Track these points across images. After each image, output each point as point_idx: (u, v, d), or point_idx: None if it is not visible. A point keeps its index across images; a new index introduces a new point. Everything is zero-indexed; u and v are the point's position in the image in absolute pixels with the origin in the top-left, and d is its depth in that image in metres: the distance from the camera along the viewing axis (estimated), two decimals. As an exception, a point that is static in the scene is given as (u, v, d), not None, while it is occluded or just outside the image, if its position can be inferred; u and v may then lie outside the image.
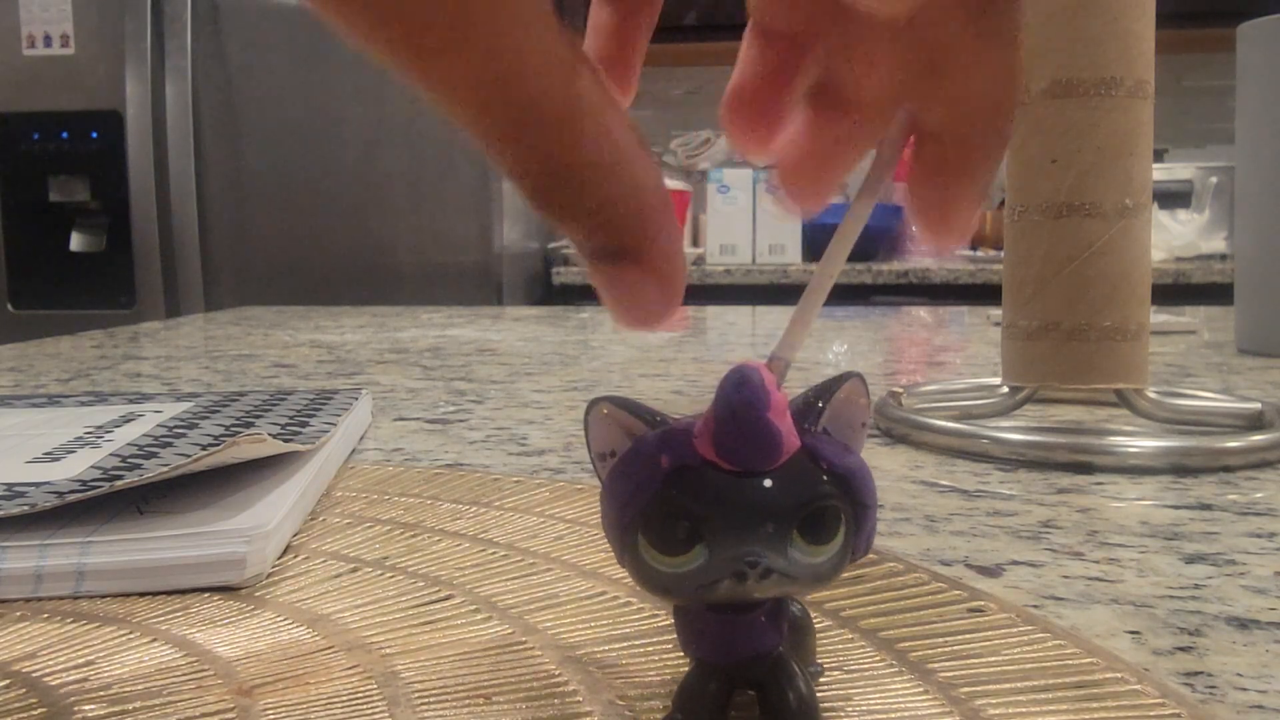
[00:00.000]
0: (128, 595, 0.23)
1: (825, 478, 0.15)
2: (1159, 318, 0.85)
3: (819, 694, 0.17)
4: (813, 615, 0.19)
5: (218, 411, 0.37)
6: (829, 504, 0.15)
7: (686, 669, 0.17)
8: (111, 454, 0.30)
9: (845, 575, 0.23)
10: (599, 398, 0.16)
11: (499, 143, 0.14)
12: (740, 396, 0.14)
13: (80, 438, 0.33)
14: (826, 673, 0.18)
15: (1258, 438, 0.36)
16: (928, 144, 0.17)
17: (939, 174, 0.17)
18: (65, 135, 1.79)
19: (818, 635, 0.19)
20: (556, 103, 0.14)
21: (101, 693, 0.18)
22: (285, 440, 0.31)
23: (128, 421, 0.36)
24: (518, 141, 0.14)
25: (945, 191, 0.17)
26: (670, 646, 0.19)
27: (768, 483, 0.15)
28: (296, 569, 0.24)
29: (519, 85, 0.13)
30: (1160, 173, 2.09)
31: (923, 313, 1.15)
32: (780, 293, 2.02)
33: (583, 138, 0.14)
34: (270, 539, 0.24)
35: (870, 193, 0.17)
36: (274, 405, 0.39)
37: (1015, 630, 0.20)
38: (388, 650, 0.20)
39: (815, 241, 2.18)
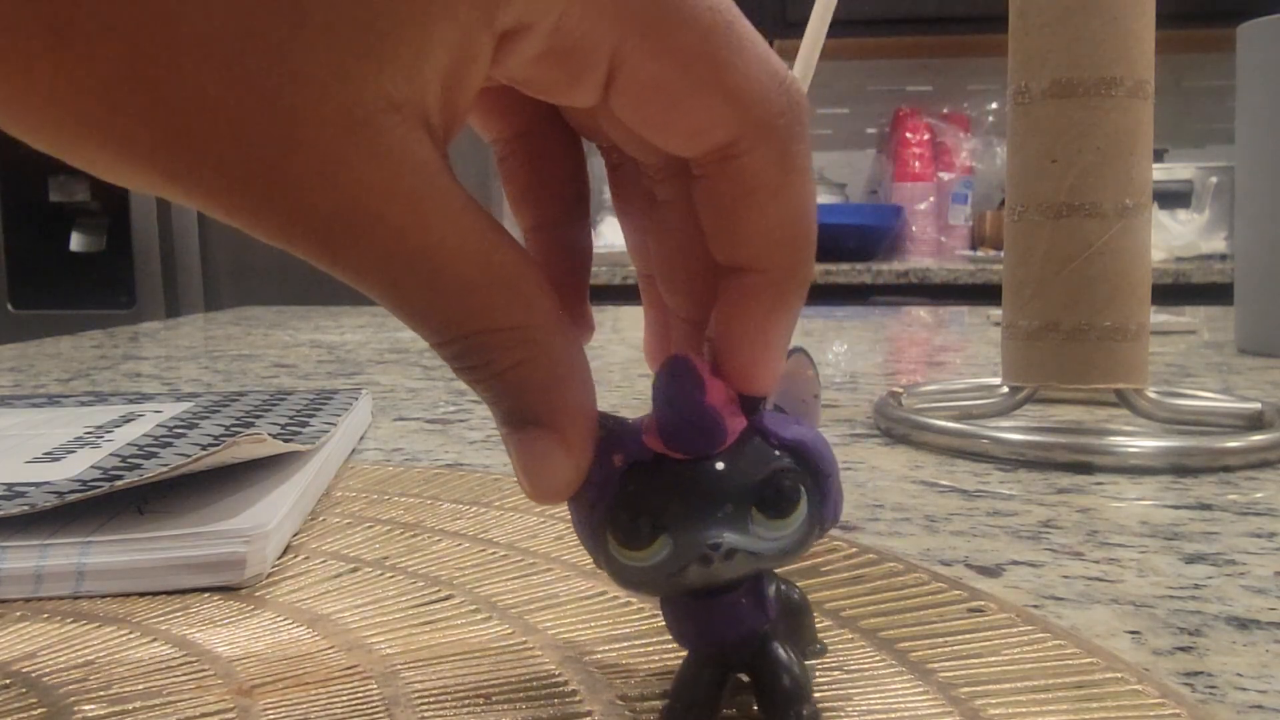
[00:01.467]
0: (128, 595, 0.23)
1: (777, 452, 0.15)
2: (1159, 318, 0.85)
3: (824, 692, 0.17)
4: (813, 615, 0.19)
5: (218, 411, 0.37)
6: (784, 478, 0.15)
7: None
8: (111, 454, 0.30)
9: (845, 575, 0.23)
10: None
11: (409, 312, 0.14)
12: (675, 387, 0.15)
13: (80, 438, 0.33)
14: (826, 673, 0.18)
15: (1258, 438, 0.36)
16: (735, 280, 0.16)
17: (748, 312, 0.16)
18: (65, 135, 1.79)
19: (817, 635, 0.19)
20: (466, 273, 0.14)
21: (101, 693, 0.18)
22: (285, 440, 0.31)
23: (128, 421, 0.36)
24: (429, 308, 0.14)
25: (756, 331, 0.16)
26: (671, 646, 0.19)
27: (719, 465, 0.15)
28: (296, 569, 0.24)
29: (425, 259, 0.14)
30: (1160, 173, 2.09)
31: (923, 313, 1.15)
32: (780, 293, 2.02)
33: (493, 307, 0.14)
34: (270, 539, 0.24)
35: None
36: (274, 405, 0.39)
37: (1015, 630, 0.20)
38: (388, 650, 0.20)
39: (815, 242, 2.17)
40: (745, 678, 0.17)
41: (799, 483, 0.15)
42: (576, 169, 0.19)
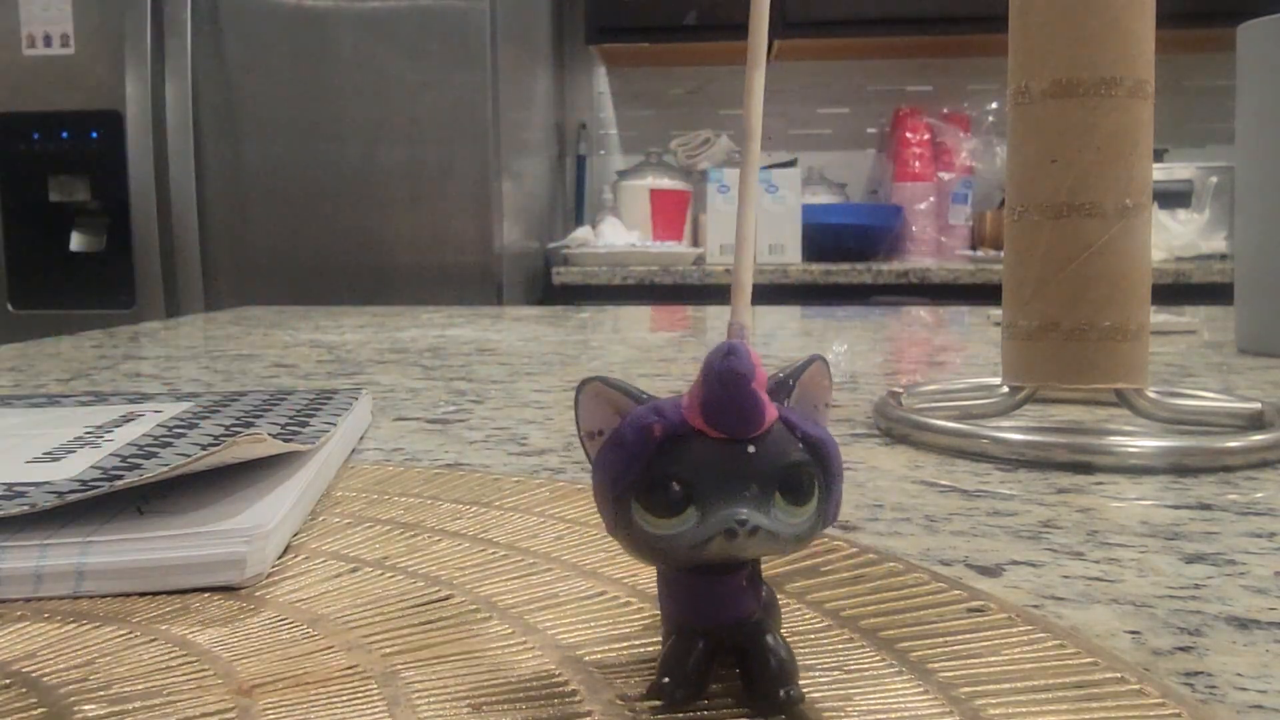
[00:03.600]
0: (128, 595, 0.23)
1: (800, 445, 0.16)
2: (1159, 318, 0.85)
3: (824, 692, 0.17)
4: (813, 615, 0.19)
5: (218, 411, 0.37)
6: (804, 469, 0.16)
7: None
8: (111, 454, 0.30)
9: (845, 575, 0.23)
10: (589, 377, 0.17)
11: None
12: (728, 367, 0.16)
13: (80, 438, 0.33)
14: (826, 673, 0.18)
15: (1258, 438, 0.36)
16: None
17: None
18: (65, 135, 1.79)
19: (817, 635, 0.20)
20: None
21: (101, 693, 0.18)
22: (285, 440, 0.31)
23: (128, 421, 0.36)
24: None
25: None
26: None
27: (751, 448, 0.16)
28: (296, 569, 0.24)
29: None
30: (1160, 173, 2.09)
31: (923, 313, 1.15)
32: (780, 293, 2.02)
33: None
34: (270, 539, 0.24)
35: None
36: (274, 405, 0.39)
37: (1015, 630, 0.20)
38: (388, 650, 0.20)
39: (815, 242, 2.18)
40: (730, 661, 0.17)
41: (815, 477, 0.16)
42: None
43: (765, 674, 0.17)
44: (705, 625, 0.17)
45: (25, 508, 0.24)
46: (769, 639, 0.17)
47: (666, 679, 0.17)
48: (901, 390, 0.45)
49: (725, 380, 0.16)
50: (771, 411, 0.16)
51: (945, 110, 2.49)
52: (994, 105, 2.49)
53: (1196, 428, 0.40)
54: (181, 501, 0.26)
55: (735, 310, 0.17)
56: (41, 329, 1.61)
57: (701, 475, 0.16)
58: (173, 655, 0.20)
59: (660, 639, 0.18)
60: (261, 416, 0.36)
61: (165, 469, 0.25)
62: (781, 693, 0.16)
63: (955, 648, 0.19)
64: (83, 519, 0.24)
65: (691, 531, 0.16)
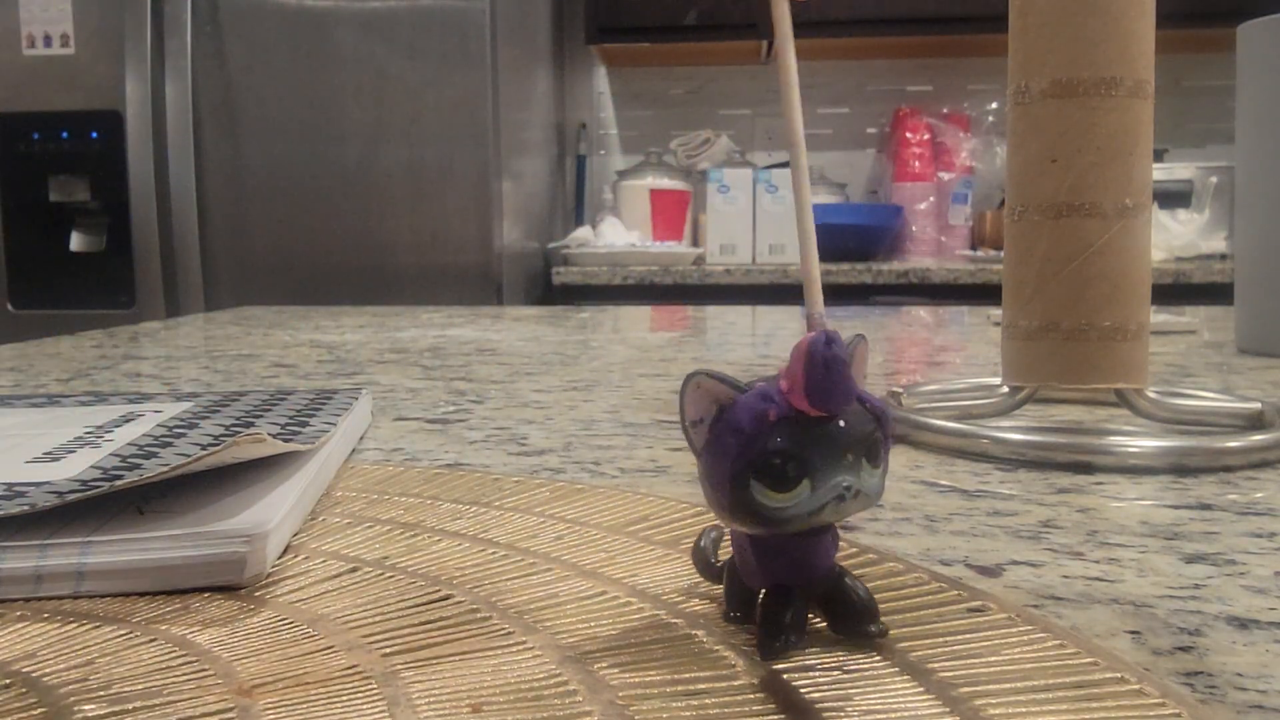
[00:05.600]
0: (128, 595, 0.23)
1: (870, 415, 0.19)
2: (1159, 318, 0.85)
3: (823, 692, 0.17)
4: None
5: (218, 411, 0.37)
6: (877, 435, 0.19)
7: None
8: (111, 454, 0.30)
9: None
10: (695, 371, 0.19)
11: None
12: (832, 353, 0.18)
13: (80, 438, 0.33)
14: (826, 673, 0.18)
15: (1258, 438, 0.36)
16: None
17: None
18: (65, 135, 1.79)
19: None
20: None
21: (101, 693, 0.18)
22: (285, 440, 0.31)
23: (128, 421, 0.36)
24: None
25: None
26: (672, 646, 0.19)
27: (842, 423, 0.18)
28: (296, 569, 0.24)
29: None
30: (1160, 173, 2.09)
31: (923, 313, 1.15)
32: (780, 293, 2.02)
33: None
34: (270, 539, 0.24)
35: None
36: (274, 405, 0.39)
37: (1015, 630, 0.20)
38: (388, 650, 0.20)
39: (816, 241, 2.17)
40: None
41: (882, 440, 0.19)
42: None
43: (853, 614, 0.19)
44: (800, 581, 0.19)
45: (25, 508, 0.24)
46: (852, 583, 0.19)
47: (771, 633, 0.19)
48: (901, 390, 0.45)
49: (830, 366, 0.18)
50: (857, 389, 0.18)
51: (945, 110, 2.49)
52: (994, 105, 2.49)
53: (1196, 428, 0.40)
54: (181, 501, 0.26)
55: (812, 303, 0.19)
56: (41, 329, 1.61)
57: (812, 451, 0.18)
58: (173, 655, 0.20)
59: (725, 598, 0.21)
60: (261, 416, 0.36)
61: (165, 469, 0.25)
62: (871, 627, 0.19)
63: (955, 648, 0.19)
64: (83, 519, 0.24)
65: (807, 501, 0.18)
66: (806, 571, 0.19)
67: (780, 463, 0.18)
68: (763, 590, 0.19)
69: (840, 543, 0.20)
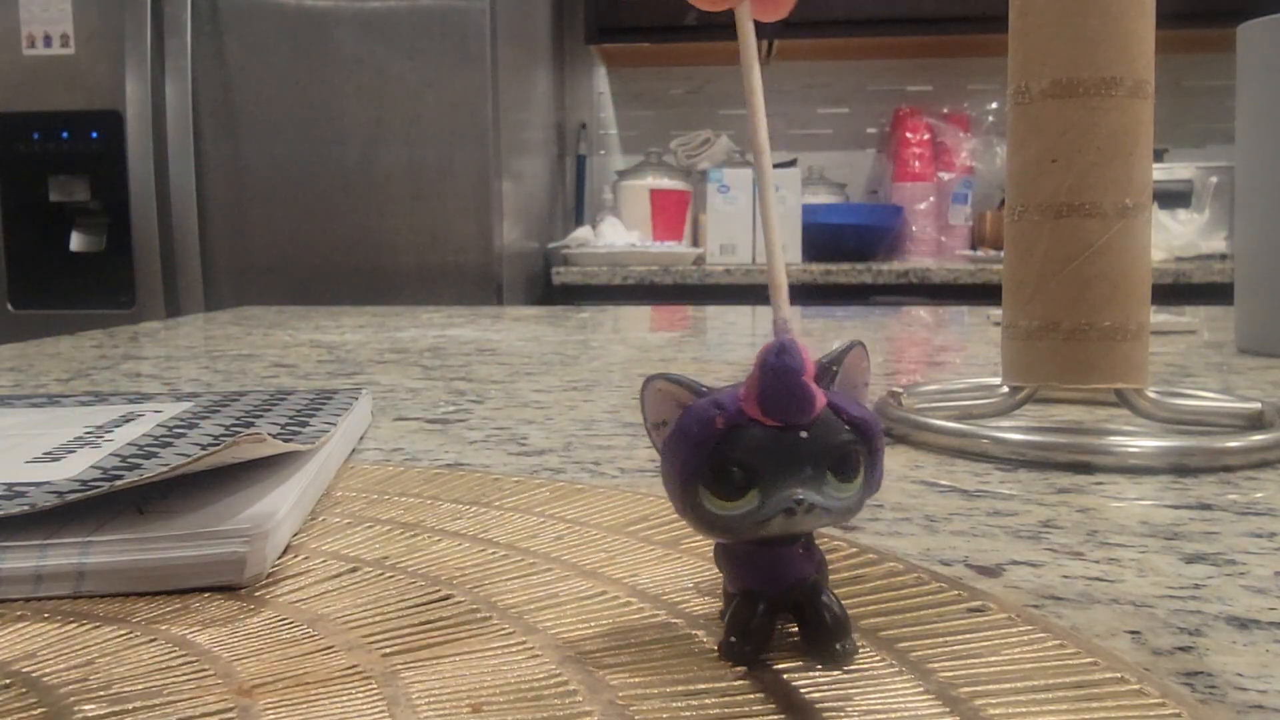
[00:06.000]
0: (128, 595, 0.23)
1: (846, 427, 0.18)
2: (1159, 318, 0.85)
3: (823, 692, 0.17)
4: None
5: (218, 411, 0.37)
6: (851, 448, 0.18)
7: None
8: (111, 454, 0.30)
9: (845, 575, 0.23)
10: (654, 375, 0.19)
11: None
12: (782, 362, 0.17)
13: (80, 438, 0.33)
14: (826, 673, 0.18)
15: (1258, 438, 0.36)
16: None
17: None
18: (65, 135, 1.79)
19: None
20: None
21: (101, 693, 0.18)
22: (285, 440, 0.31)
23: (128, 421, 0.36)
24: None
25: None
26: (672, 646, 0.19)
27: (804, 434, 0.17)
28: (296, 569, 0.24)
29: None
30: (1160, 173, 2.09)
31: (923, 313, 1.15)
32: (780, 293, 2.02)
33: None
34: (270, 539, 0.24)
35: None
36: (274, 405, 0.39)
37: (1015, 630, 0.20)
38: (388, 650, 0.20)
39: (815, 242, 2.18)
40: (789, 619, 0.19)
41: (860, 454, 0.18)
42: None
43: (822, 629, 0.19)
44: (768, 589, 0.19)
45: (25, 508, 0.24)
46: (824, 598, 0.19)
47: (733, 638, 0.19)
48: (901, 390, 0.45)
49: (780, 375, 0.17)
50: (821, 399, 0.18)
51: (945, 110, 2.49)
52: (994, 105, 2.49)
53: (1196, 428, 0.40)
54: (181, 501, 0.26)
55: (777, 308, 0.19)
56: (41, 329, 1.61)
57: (761, 461, 0.17)
58: (173, 655, 0.20)
59: (723, 604, 0.20)
60: (261, 416, 0.36)
61: (165, 469, 0.25)
62: (837, 645, 0.19)
63: (955, 648, 0.19)
64: (83, 519, 0.24)
65: (754, 512, 0.17)
66: (773, 580, 0.19)
67: (725, 471, 0.17)
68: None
69: (826, 547, 0.20)
